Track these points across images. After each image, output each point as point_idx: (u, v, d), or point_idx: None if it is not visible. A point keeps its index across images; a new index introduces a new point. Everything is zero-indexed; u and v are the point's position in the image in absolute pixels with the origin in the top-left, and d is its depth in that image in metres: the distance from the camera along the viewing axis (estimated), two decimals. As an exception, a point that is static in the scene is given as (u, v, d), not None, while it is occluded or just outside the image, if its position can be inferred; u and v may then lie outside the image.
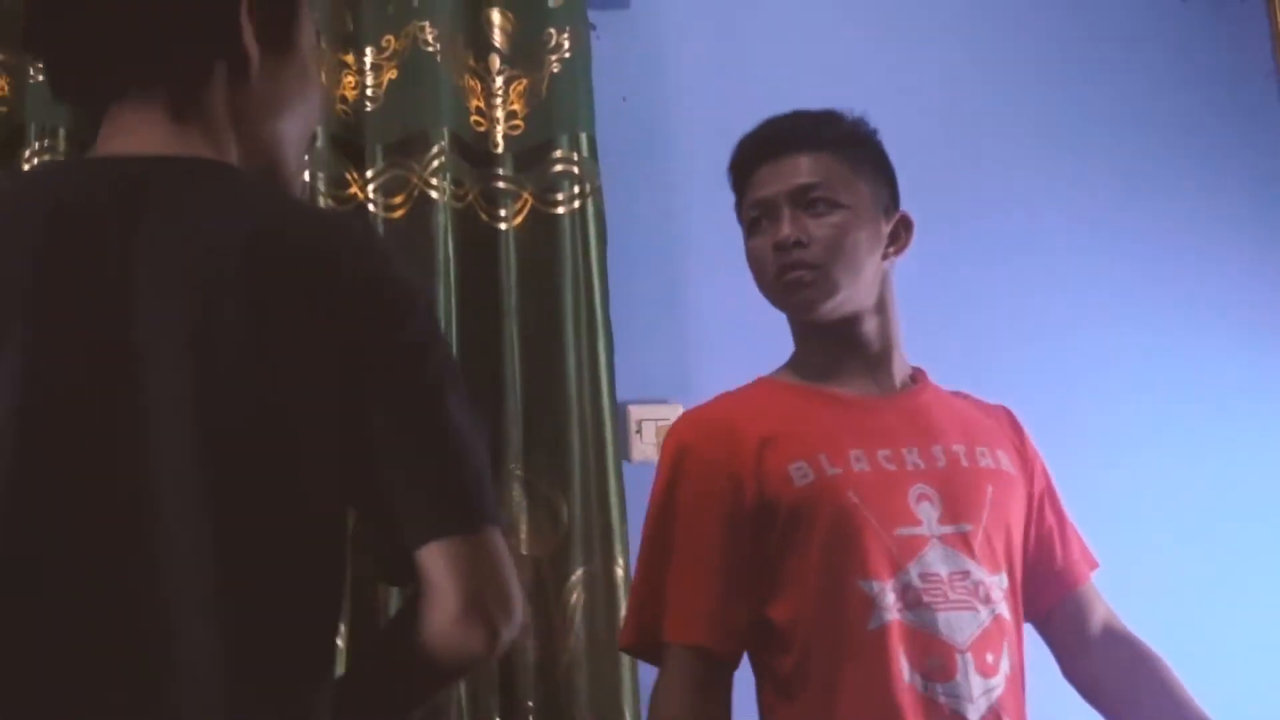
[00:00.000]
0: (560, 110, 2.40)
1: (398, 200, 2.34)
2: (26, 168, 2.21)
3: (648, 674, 2.04)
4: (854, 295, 1.70)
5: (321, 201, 2.29)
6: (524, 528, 2.25)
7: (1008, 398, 1.82)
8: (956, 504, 1.64)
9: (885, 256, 1.74)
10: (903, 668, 1.58)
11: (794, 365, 1.79)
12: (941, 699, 1.57)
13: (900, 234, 1.75)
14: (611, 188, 2.39)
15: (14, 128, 2.24)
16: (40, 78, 2.23)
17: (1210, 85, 2.71)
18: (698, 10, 2.61)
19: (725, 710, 1.66)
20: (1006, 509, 1.68)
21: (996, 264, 2.52)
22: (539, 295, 2.36)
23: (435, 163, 2.34)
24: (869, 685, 1.59)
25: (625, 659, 2.15)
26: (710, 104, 2.54)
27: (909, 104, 2.55)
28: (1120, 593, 1.81)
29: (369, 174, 2.35)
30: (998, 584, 1.63)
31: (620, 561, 2.21)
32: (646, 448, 2.38)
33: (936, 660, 1.58)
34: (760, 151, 1.75)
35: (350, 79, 2.43)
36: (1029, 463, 1.76)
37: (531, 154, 2.41)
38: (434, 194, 2.33)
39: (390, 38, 2.43)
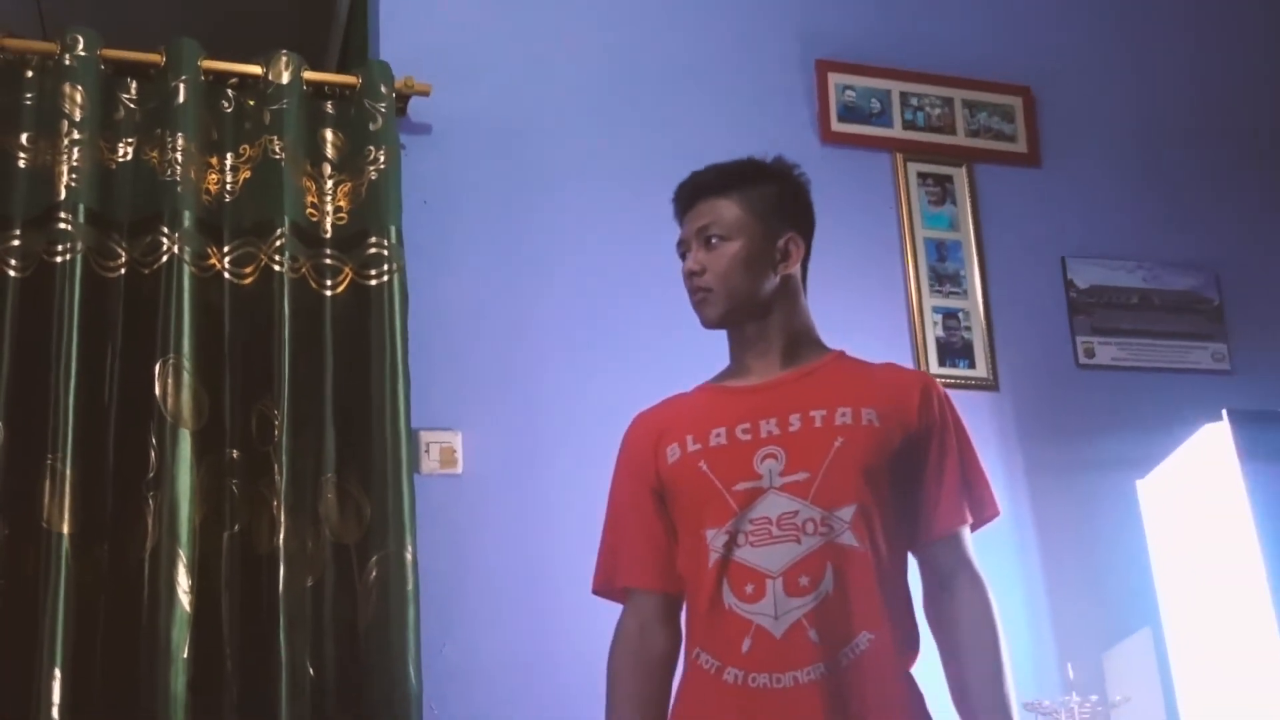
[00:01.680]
0: (375, 208, 2.65)
1: (248, 270, 2.58)
2: None
3: (429, 631, 2.42)
4: (743, 306, 1.88)
5: (187, 270, 2.49)
6: (335, 521, 2.48)
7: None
8: (799, 457, 1.77)
9: (777, 271, 1.90)
10: (725, 595, 1.74)
11: (725, 369, 1.97)
12: (753, 617, 1.71)
13: (790, 251, 1.91)
14: (412, 266, 2.66)
15: None
16: None
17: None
18: (482, 137, 2.92)
19: (668, 637, 1.87)
20: (863, 455, 1.77)
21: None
22: (355, 345, 2.58)
23: (278, 243, 2.57)
24: (707, 610, 1.76)
25: (410, 620, 2.40)
26: (491, 206, 2.88)
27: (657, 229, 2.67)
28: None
29: (225, 249, 2.58)
30: (841, 516, 1.74)
31: (409, 548, 2.44)
32: (433, 463, 2.64)
33: (752, 586, 1.73)
34: (677, 203, 1.95)
35: (214, 176, 2.65)
36: (919, 424, 1.84)
37: (352, 239, 2.66)
38: (276, 267, 2.56)
39: (246, 146, 2.69)
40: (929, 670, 1.83)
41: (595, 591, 1.96)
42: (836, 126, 3.25)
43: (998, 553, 2.82)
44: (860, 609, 1.73)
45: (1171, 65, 3.62)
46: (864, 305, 3.06)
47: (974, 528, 1.89)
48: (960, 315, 3.18)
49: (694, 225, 1.92)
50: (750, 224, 1.90)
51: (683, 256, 1.94)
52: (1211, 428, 2.65)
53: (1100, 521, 3.02)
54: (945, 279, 3.21)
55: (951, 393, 2.92)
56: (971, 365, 3.14)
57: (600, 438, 2.68)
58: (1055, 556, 3.01)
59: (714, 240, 1.89)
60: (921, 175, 3.28)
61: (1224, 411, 2.62)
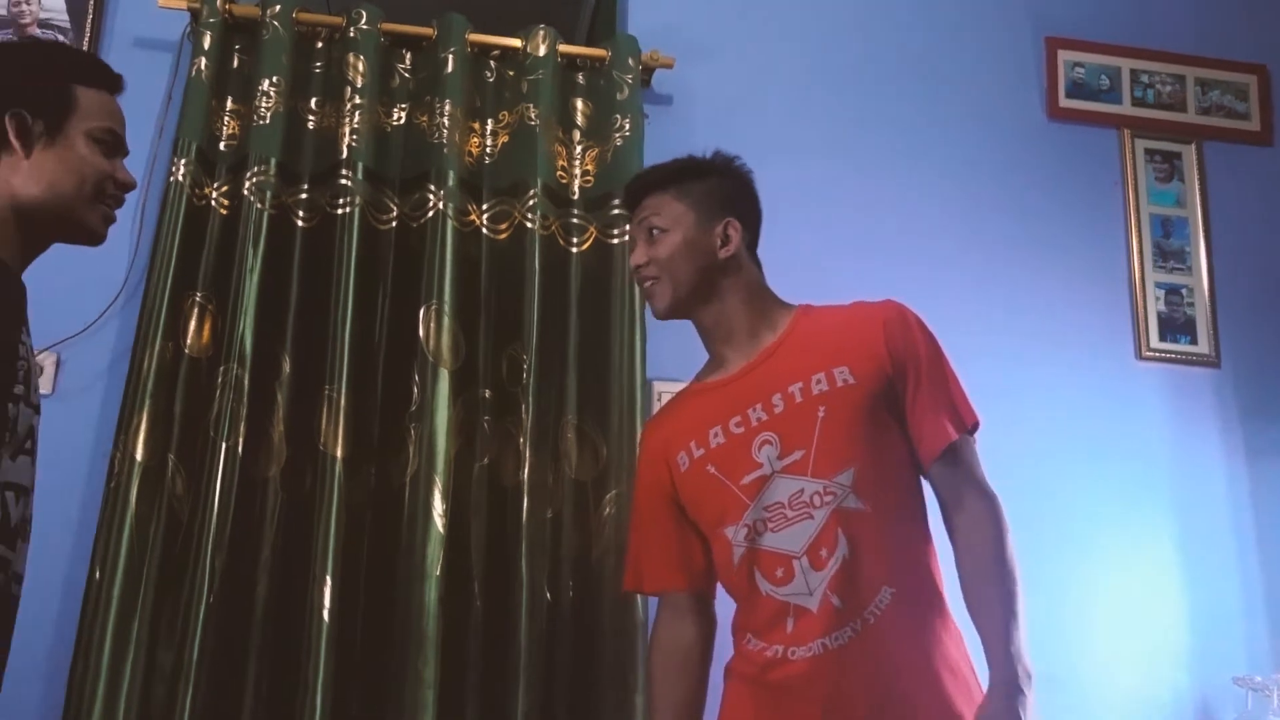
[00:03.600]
0: (620, 172, 2.70)
1: (503, 227, 2.69)
2: (246, 187, 2.58)
3: None
4: (689, 293, 1.90)
5: (450, 225, 2.61)
6: (574, 459, 2.56)
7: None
8: (792, 437, 1.77)
9: (718, 254, 1.92)
10: (759, 583, 1.77)
11: (704, 365, 2.01)
12: (790, 599, 1.74)
13: (730, 235, 1.92)
14: None
15: (241, 157, 2.64)
16: (262, 121, 2.61)
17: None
18: (720, 111, 2.94)
19: (699, 625, 1.92)
20: (848, 415, 1.77)
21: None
22: (596, 299, 2.66)
23: (531, 202, 2.67)
24: (746, 601, 1.81)
25: None
26: None
27: (887, 208, 2.94)
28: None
29: (484, 207, 2.70)
30: (841, 481, 1.74)
31: None
32: None
33: (781, 570, 1.75)
34: (624, 202, 2.03)
35: (476, 140, 2.76)
36: (890, 359, 1.81)
37: (598, 201, 2.73)
38: (529, 224, 2.66)
39: (505, 113, 2.79)
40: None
41: (627, 590, 2.05)
42: (1064, 103, 3.19)
43: (1212, 532, 2.81)
44: (876, 566, 1.73)
45: None
46: (1084, 277, 3.02)
47: (963, 437, 1.84)
48: (1184, 291, 3.10)
49: (637, 220, 1.96)
50: (687, 214, 1.92)
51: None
52: None
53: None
54: (1169, 255, 3.13)
55: (1171, 368, 2.97)
56: (1193, 341, 3.06)
57: None
58: (1274, 539, 2.91)
59: (655, 233, 1.91)
60: (1149, 152, 3.20)
61: None
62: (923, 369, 1.83)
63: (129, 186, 1.69)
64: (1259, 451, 2.97)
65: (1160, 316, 3.06)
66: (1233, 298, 3.12)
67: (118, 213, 1.67)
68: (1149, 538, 2.83)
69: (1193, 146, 3.23)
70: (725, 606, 1.95)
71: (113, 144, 1.67)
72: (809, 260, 2.89)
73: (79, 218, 1.63)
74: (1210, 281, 3.12)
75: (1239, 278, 3.14)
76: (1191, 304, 3.09)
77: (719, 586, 1.97)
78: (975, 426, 1.85)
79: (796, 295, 2.76)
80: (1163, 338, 3.02)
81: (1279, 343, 3.12)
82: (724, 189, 1.97)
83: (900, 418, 1.82)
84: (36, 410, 1.57)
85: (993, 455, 1.90)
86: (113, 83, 1.71)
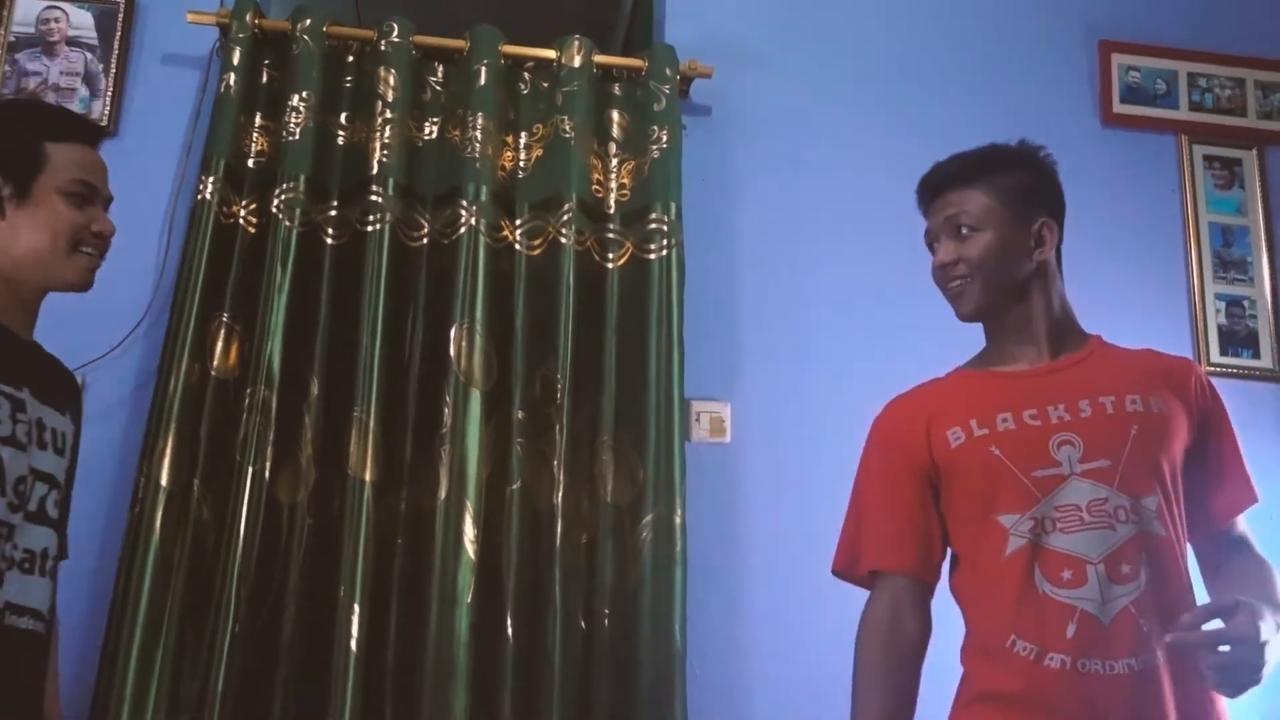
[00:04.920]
0: (657, 185, 2.62)
1: (537, 243, 2.60)
2: (275, 204, 2.49)
3: (694, 593, 2.39)
4: (1000, 296, 1.77)
5: (482, 241, 2.52)
6: (610, 482, 2.46)
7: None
8: (1098, 444, 1.67)
9: (1032, 257, 1.78)
10: (1038, 581, 1.63)
11: (979, 355, 1.86)
12: (1077, 603, 1.61)
13: (1044, 236, 1.79)
14: (690, 241, 2.62)
15: (270, 173, 2.56)
16: (291, 137, 2.52)
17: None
18: (761, 121, 2.85)
19: (920, 624, 1.75)
20: (1156, 444, 1.68)
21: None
22: (633, 316, 2.56)
23: (565, 217, 2.58)
24: (1017, 598, 1.64)
25: (678, 581, 2.38)
26: (765, 187, 2.81)
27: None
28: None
29: (518, 222, 2.60)
30: (1147, 505, 1.65)
31: (679, 511, 2.43)
32: (702, 431, 2.61)
33: (1070, 572, 1.62)
34: (922, 194, 1.85)
35: (509, 153, 2.67)
36: (1198, 409, 1.75)
37: (634, 215, 2.64)
38: (563, 239, 2.57)
39: (539, 126, 2.69)
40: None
41: (835, 572, 1.86)
42: (1119, 108, 3.03)
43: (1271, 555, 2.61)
44: (1176, 598, 1.64)
45: None
46: (1142, 289, 2.87)
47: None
48: (1245, 303, 2.93)
49: (941, 216, 1.82)
50: (1000, 212, 1.78)
51: (930, 248, 1.84)
52: None
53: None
54: (1231, 265, 2.96)
55: (1232, 383, 2.83)
56: (1256, 355, 2.89)
57: (864, 416, 2.59)
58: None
59: (964, 230, 1.78)
60: (1208, 158, 3.03)
61: None
62: (1225, 428, 1.79)
63: (106, 235, 1.70)
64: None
65: (1221, 329, 2.89)
66: (1299, 310, 2.93)
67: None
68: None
69: (1254, 152, 3.06)
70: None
71: (86, 195, 1.67)
72: (853, 270, 2.80)
73: (57, 273, 1.66)
74: (1273, 292, 2.95)
75: (1305, 289, 2.95)
76: (1254, 316, 2.92)
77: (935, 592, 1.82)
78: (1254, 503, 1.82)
79: (841, 309, 2.70)
80: (1224, 351, 2.86)
81: (1346, 356, 2.92)
82: (1035, 184, 1.83)
83: (1192, 468, 1.74)
84: (21, 449, 1.55)
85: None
86: (88, 134, 1.73)
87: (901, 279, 2.67)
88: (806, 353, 2.73)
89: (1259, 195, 3.01)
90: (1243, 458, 1.79)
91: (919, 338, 2.58)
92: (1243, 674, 1.49)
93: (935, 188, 1.84)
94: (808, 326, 2.75)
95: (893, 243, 2.75)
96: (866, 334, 2.76)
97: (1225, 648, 1.49)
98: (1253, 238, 2.98)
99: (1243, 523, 1.78)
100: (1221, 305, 2.91)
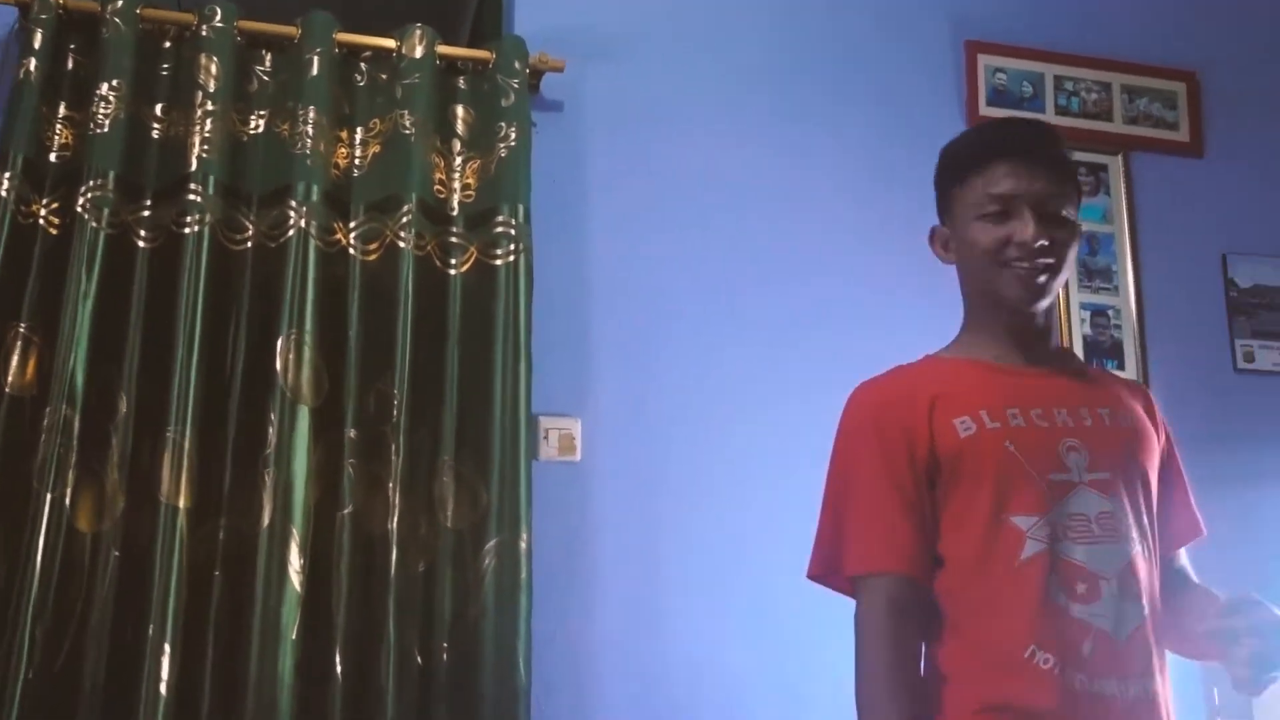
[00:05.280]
0: (504, 186, 2.47)
1: (373, 247, 2.43)
2: (80, 203, 2.28)
3: (540, 623, 2.27)
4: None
5: (313, 244, 2.34)
6: (451, 506, 2.31)
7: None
8: (1100, 455, 1.59)
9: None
10: (1051, 591, 1.52)
11: (956, 342, 1.74)
12: (1093, 620, 1.52)
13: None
14: (539, 246, 2.47)
15: (75, 169, 2.34)
16: (100, 130, 2.32)
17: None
18: (617, 118, 2.71)
19: (919, 624, 1.59)
20: (1143, 462, 1.63)
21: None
22: (477, 326, 2.41)
23: (405, 219, 2.42)
24: (1038, 608, 1.53)
25: (523, 610, 2.25)
26: (620, 187, 2.67)
27: (801, 214, 2.73)
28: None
29: (352, 225, 2.43)
30: (1145, 523, 1.60)
31: (524, 535, 2.28)
32: (551, 449, 2.47)
33: (1084, 586, 1.53)
34: (1003, 146, 1.63)
35: (343, 150, 2.49)
36: (1163, 435, 1.72)
37: (479, 218, 2.48)
38: (401, 244, 2.41)
39: (376, 121, 2.52)
40: None
41: (812, 577, 1.67)
42: (985, 110, 2.94)
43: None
44: (1160, 623, 1.61)
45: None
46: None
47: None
48: (1110, 313, 2.87)
49: (1033, 187, 1.61)
50: (1076, 200, 1.68)
51: (995, 217, 1.62)
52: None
53: (1260, 536, 2.69)
54: (1095, 274, 2.89)
55: None
56: (1120, 366, 2.82)
57: (721, 430, 2.56)
58: (1207, 571, 2.67)
59: (1065, 214, 1.63)
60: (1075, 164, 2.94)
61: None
62: (1176, 462, 1.76)
63: None
64: (1193, 480, 2.70)
65: (1086, 340, 2.83)
66: (1161, 320, 2.88)
67: None
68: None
69: (1119, 158, 3.00)
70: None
71: None
72: (713, 276, 2.70)
73: None
74: (1138, 302, 2.89)
75: (1169, 299, 2.91)
76: (1119, 326, 2.86)
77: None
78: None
79: (697, 319, 2.58)
80: (1089, 362, 2.78)
81: (1207, 367, 2.92)
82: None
83: (1160, 489, 1.69)
84: None
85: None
86: None
87: (761, 280, 2.68)
88: (661, 366, 2.60)
89: (1124, 202, 2.95)
90: (1189, 489, 1.77)
91: (782, 345, 2.62)
92: (1270, 667, 1.45)
93: (1031, 149, 1.64)
94: (663, 338, 2.62)
95: (757, 244, 2.72)
96: (723, 344, 2.64)
97: (1252, 640, 1.45)
98: (1118, 246, 2.92)
99: (1185, 555, 1.76)
100: (1086, 315, 2.85)
